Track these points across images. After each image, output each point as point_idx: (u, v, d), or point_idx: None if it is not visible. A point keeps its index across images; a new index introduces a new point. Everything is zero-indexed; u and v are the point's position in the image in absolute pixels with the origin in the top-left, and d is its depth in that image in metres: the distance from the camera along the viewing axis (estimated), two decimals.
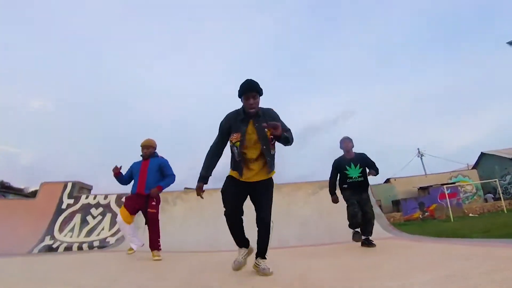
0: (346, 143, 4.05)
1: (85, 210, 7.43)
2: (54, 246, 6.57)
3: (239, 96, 2.25)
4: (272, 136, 2.18)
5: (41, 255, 5.81)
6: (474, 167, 19.14)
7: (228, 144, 2.33)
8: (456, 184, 15.74)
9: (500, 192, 13.56)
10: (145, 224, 3.84)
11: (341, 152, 4.13)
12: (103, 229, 7.00)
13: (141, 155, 3.97)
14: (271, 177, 2.34)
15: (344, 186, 3.98)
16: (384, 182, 17.43)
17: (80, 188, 8.10)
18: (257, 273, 2.19)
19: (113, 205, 7.38)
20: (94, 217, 7.29)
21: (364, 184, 3.94)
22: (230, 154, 2.35)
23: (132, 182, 3.90)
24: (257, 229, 2.22)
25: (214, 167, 2.37)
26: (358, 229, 3.87)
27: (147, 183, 3.74)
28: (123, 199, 4.84)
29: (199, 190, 2.31)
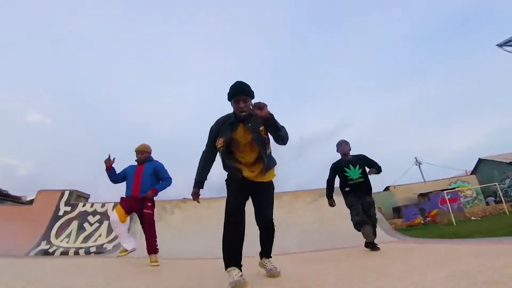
0: (343, 146, 3.97)
1: (82, 217, 7.38)
2: (50, 250, 6.50)
3: (229, 99, 2.09)
4: (266, 136, 2.09)
5: (37, 258, 5.72)
6: (473, 172, 19.40)
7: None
8: (456, 189, 15.71)
9: (501, 195, 13.54)
10: (141, 226, 3.77)
11: (338, 157, 4.05)
12: (100, 235, 6.93)
13: (135, 160, 3.92)
14: (271, 180, 2.27)
15: (346, 189, 3.85)
16: (383, 190, 17.44)
17: (77, 197, 8.07)
18: (265, 274, 2.13)
19: (110, 213, 7.28)
20: (91, 224, 7.24)
21: (365, 185, 3.82)
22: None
23: (126, 186, 3.80)
24: (258, 231, 2.15)
25: (208, 172, 2.28)
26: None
27: (142, 186, 3.69)
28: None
29: (195, 196, 2.24)
